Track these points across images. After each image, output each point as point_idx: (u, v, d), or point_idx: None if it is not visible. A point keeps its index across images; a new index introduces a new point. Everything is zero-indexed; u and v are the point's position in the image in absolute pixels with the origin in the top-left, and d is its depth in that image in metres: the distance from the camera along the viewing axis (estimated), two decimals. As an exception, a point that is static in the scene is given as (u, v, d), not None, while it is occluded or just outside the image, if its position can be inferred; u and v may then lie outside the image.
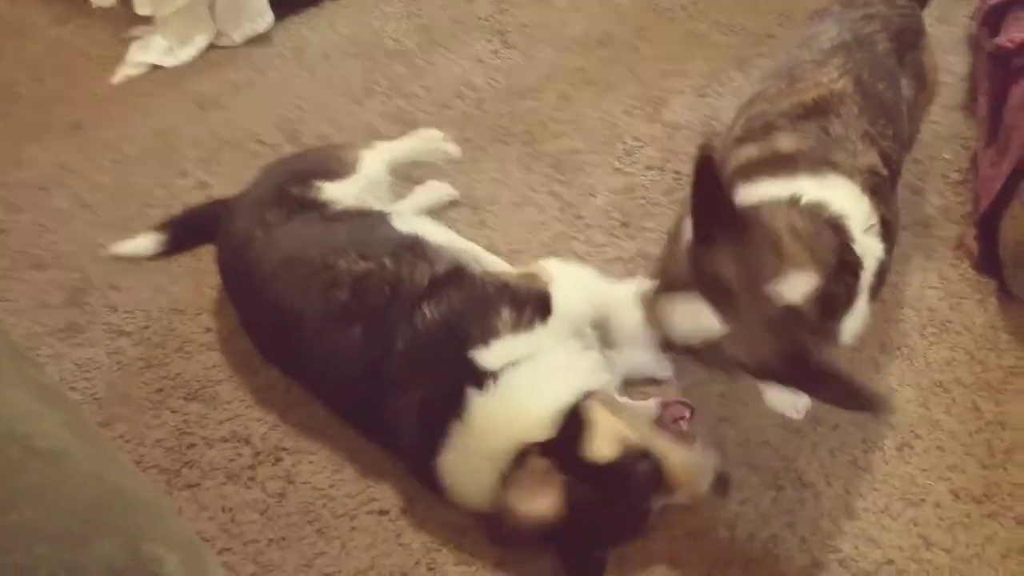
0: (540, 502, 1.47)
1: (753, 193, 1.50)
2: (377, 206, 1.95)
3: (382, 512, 1.68)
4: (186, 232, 2.14)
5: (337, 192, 1.89)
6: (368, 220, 1.85)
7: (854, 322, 1.46)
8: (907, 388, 1.83)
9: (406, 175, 2.23)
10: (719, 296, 1.34)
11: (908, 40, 1.86)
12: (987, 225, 2.02)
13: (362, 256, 1.70)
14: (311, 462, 1.76)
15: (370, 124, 2.46)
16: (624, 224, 2.17)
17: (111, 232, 2.20)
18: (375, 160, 2.03)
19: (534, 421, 1.51)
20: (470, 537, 1.64)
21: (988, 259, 2.02)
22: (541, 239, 2.15)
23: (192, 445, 1.80)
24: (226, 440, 1.80)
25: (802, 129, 1.61)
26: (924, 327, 1.93)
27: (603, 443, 1.49)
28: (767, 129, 1.65)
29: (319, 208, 1.85)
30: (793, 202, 1.44)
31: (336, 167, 1.96)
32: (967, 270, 2.03)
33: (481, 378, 1.54)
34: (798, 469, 1.72)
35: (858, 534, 1.63)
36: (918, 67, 1.88)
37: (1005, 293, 1.97)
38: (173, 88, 2.64)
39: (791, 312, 1.32)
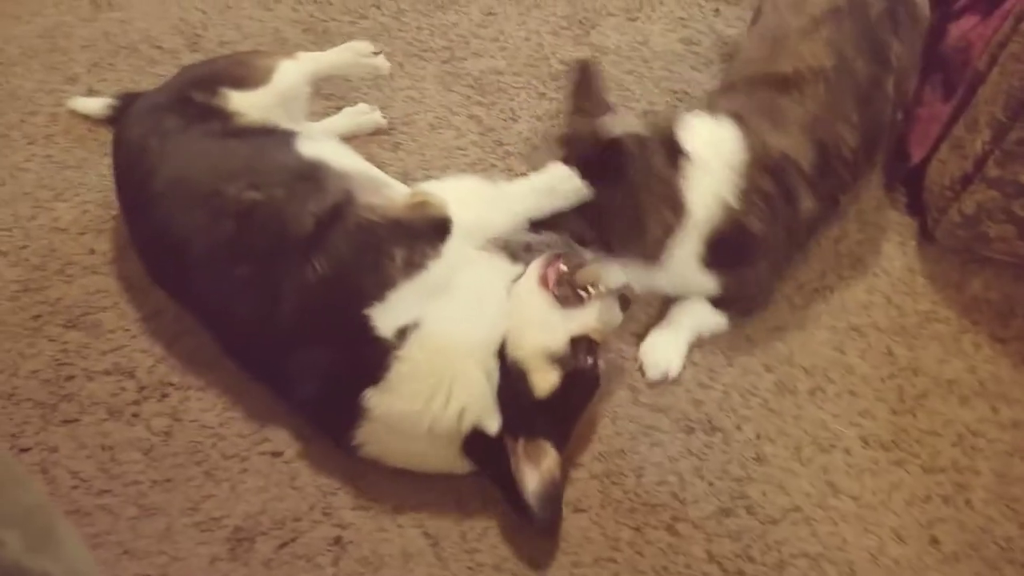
0: (544, 465, 1.46)
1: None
2: (288, 125, 1.77)
3: (275, 454, 1.60)
4: None
5: (244, 103, 1.73)
6: (271, 140, 1.69)
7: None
8: (822, 330, 1.80)
9: (317, 91, 2.06)
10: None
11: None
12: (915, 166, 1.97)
13: (253, 185, 1.57)
14: (200, 399, 1.65)
15: (278, 31, 2.28)
16: (547, 153, 2.06)
17: (-13, 141, 2.01)
18: (292, 71, 1.84)
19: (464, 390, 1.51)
20: (367, 480, 1.57)
21: (913, 200, 1.98)
22: (459, 165, 2.04)
23: (71, 377, 1.68)
24: (108, 373, 1.68)
25: (754, 96, 1.72)
26: (842, 268, 1.89)
27: (541, 377, 1.49)
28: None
29: (222, 119, 1.69)
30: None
31: (246, 74, 1.79)
32: (888, 211, 1.99)
33: (384, 355, 1.48)
34: (708, 412, 1.68)
35: (766, 480, 1.61)
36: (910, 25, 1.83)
37: (925, 236, 1.94)
38: (62, -18, 2.40)
39: None
